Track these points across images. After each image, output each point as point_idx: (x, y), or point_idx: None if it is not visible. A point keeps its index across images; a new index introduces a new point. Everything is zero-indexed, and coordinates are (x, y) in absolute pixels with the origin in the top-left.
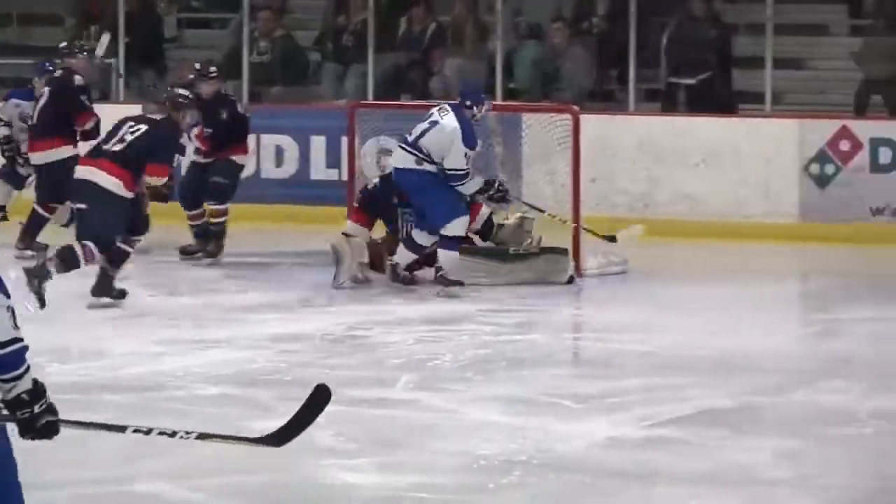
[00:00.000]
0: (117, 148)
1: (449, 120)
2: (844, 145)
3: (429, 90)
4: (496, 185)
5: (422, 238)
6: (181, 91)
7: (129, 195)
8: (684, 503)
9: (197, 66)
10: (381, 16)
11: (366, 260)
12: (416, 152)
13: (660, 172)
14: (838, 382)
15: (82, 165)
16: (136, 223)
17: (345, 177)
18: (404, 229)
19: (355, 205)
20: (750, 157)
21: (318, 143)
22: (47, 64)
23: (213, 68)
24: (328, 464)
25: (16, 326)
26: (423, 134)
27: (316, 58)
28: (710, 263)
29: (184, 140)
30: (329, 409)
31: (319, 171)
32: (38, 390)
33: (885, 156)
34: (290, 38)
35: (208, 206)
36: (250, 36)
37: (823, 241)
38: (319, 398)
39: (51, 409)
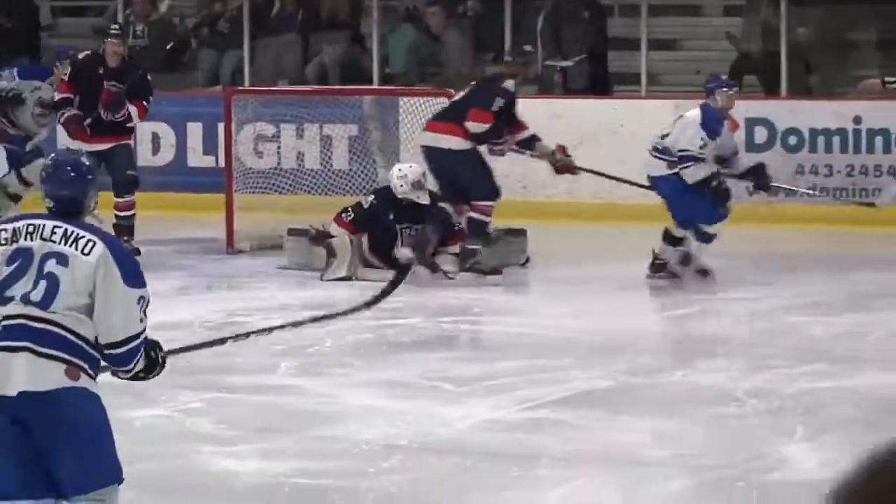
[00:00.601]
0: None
1: (692, 112)
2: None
3: (305, 76)
4: (718, 182)
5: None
6: (528, 48)
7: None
8: (564, 484)
9: (114, 27)
10: (256, 2)
11: (353, 258)
12: (666, 156)
13: None
14: (716, 362)
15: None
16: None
17: (222, 164)
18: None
19: (347, 221)
20: (627, 138)
21: (195, 130)
22: (69, 50)
23: (114, 25)
24: (208, 451)
25: (143, 318)
26: (669, 133)
27: (192, 44)
28: (588, 245)
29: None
30: (208, 395)
31: (196, 158)
32: (151, 364)
33: (760, 135)
34: (167, 23)
35: (122, 200)
36: (126, 21)
37: None
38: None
39: (163, 366)
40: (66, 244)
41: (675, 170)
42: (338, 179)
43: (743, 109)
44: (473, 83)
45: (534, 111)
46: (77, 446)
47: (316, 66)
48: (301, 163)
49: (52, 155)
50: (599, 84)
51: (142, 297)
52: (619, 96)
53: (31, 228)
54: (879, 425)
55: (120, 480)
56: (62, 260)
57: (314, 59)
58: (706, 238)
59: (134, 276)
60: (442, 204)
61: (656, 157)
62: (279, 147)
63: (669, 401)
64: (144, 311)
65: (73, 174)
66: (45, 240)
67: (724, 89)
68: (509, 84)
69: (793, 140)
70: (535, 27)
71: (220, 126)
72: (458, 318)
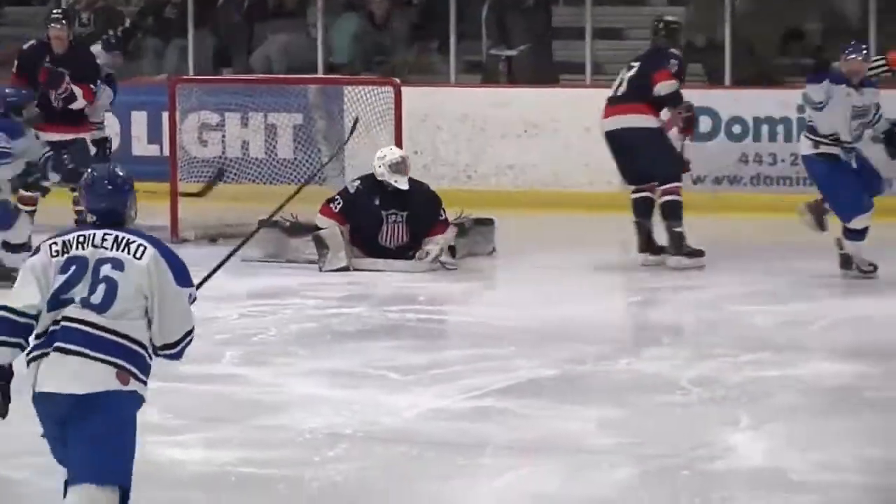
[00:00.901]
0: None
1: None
2: (664, 114)
3: (250, 64)
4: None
5: (859, 222)
6: (670, 18)
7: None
8: (509, 472)
9: (56, 12)
10: None
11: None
12: (811, 134)
13: (482, 144)
14: (661, 351)
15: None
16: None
17: (167, 152)
18: (389, 233)
19: (334, 210)
20: (571, 127)
21: (140, 119)
22: None
23: (56, 11)
24: (154, 440)
25: (191, 316)
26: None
27: (137, 32)
28: (532, 234)
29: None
30: (153, 385)
31: (141, 146)
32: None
33: (704, 124)
34: (113, 10)
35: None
36: (71, 8)
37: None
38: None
39: None
40: (118, 250)
41: (819, 150)
42: (283, 168)
43: (687, 99)
44: (636, 62)
45: (478, 100)
46: (92, 438)
47: (261, 55)
48: (246, 152)
49: (90, 169)
50: (544, 73)
51: (190, 294)
52: (565, 85)
53: (81, 238)
54: (824, 414)
55: (122, 483)
56: (117, 265)
57: (259, 48)
58: (852, 235)
59: (184, 276)
60: (427, 188)
61: (805, 136)
62: (224, 136)
63: (614, 389)
64: (190, 311)
65: (110, 187)
66: (96, 247)
67: (847, 55)
68: (675, 49)
69: (737, 129)
70: (480, 15)
71: (165, 115)
72: (404, 307)
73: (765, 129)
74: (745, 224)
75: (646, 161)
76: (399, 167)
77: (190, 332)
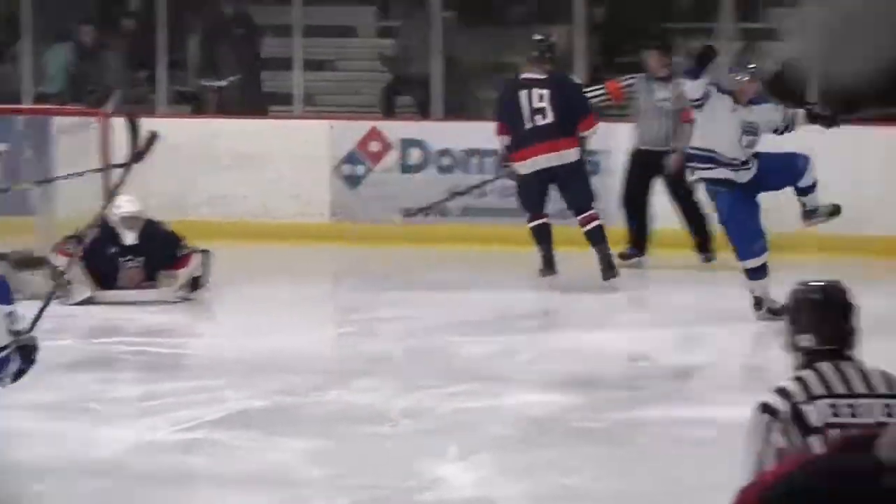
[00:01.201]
0: (544, 122)
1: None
2: (374, 146)
3: None
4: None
5: (752, 263)
6: (547, 38)
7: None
8: None
9: None
10: None
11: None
12: (692, 162)
13: (192, 174)
14: (371, 382)
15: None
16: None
17: None
18: (126, 278)
19: (71, 251)
20: (281, 158)
21: None
22: None
23: None
24: None
25: (10, 333)
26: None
27: None
28: (243, 266)
29: None
30: None
31: None
32: (26, 357)
33: (414, 156)
34: None
35: None
36: None
37: (355, 242)
38: None
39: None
40: None
41: (709, 175)
42: None
43: (398, 131)
44: (542, 89)
45: (188, 131)
46: None
47: None
48: None
49: None
50: (254, 104)
51: (11, 313)
52: (274, 116)
53: None
54: (532, 444)
55: None
56: None
57: None
58: (750, 274)
59: (2, 294)
60: (163, 231)
61: (689, 166)
62: None
63: (324, 420)
64: (8, 330)
65: None
66: None
67: (735, 76)
68: (573, 77)
69: (446, 161)
70: (190, 46)
71: None
72: (115, 339)
73: (474, 161)
74: (454, 255)
75: (572, 192)
76: (128, 222)
77: (2, 349)
